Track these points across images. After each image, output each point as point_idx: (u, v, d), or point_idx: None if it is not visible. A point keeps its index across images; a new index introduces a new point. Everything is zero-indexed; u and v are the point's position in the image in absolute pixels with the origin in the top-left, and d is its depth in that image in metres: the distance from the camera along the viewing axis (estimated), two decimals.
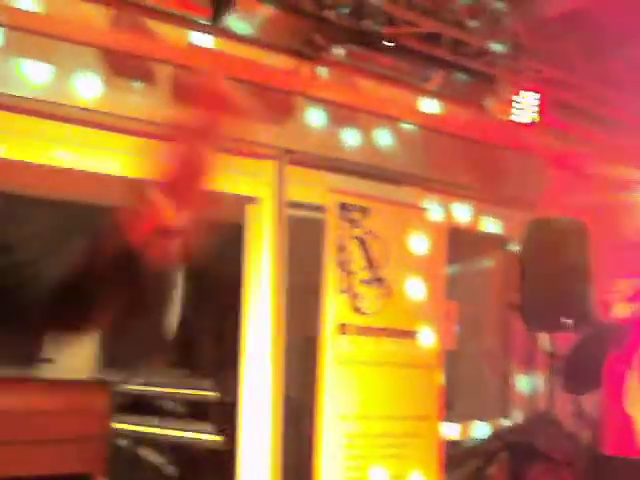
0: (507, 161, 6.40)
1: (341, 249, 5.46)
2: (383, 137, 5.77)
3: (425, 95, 5.91)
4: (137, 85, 4.87)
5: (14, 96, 4.50)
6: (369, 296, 5.62)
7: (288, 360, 5.44)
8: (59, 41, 4.64)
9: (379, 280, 5.64)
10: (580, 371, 4.65)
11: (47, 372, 5.31)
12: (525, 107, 5.81)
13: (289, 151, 5.37)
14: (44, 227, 1.65)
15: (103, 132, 4.80)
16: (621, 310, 4.51)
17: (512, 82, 5.81)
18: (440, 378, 5.92)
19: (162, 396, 6.81)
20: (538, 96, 5.83)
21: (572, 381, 4.81)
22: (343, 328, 5.48)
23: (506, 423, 6.68)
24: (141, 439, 6.69)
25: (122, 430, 6.46)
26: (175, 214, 1.35)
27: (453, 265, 6.28)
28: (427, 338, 5.85)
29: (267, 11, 4.95)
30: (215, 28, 4.73)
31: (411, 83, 5.85)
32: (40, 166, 4.68)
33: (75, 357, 5.67)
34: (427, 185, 6.04)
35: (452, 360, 6.24)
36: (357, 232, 5.53)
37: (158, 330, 1.51)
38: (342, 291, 5.48)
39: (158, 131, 4.69)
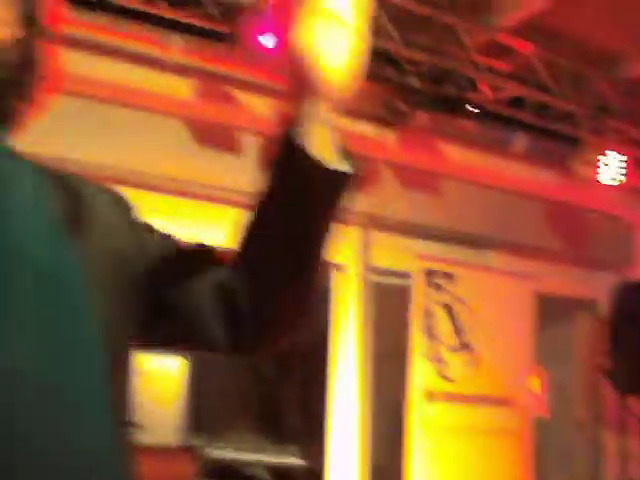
0: (594, 223, 6.32)
1: (427, 315, 5.43)
2: (468, 202, 5.75)
3: (510, 159, 5.88)
4: (224, 154, 4.94)
5: (110, 167, 4.60)
6: (456, 363, 5.55)
7: (374, 427, 5.39)
8: (146, 113, 4.76)
9: (466, 346, 5.57)
10: None
11: (136, 437, 5.34)
12: (611, 168, 5.74)
13: (373, 217, 5.38)
14: None
15: (191, 201, 4.87)
16: None
17: (597, 143, 5.75)
18: (530, 446, 5.80)
19: (249, 463, 6.79)
20: (624, 157, 5.76)
21: None
22: (430, 395, 5.42)
23: None
24: None
25: None
26: None
27: (541, 330, 6.17)
28: (516, 405, 5.74)
29: None
30: None
31: (495, 147, 5.83)
32: None
33: (163, 422, 5.69)
34: (513, 249, 5.98)
35: (542, 427, 6.11)
36: (443, 298, 5.49)
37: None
38: (429, 358, 5.43)
39: (245, 200, 4.74)
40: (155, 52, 4.65)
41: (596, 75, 5.60)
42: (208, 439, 6.20)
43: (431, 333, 5.45)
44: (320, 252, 1.44)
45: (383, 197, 5.43)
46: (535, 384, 6.08)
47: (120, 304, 1.37)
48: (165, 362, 7.08)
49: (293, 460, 6.29)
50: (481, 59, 5.13)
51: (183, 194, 4.89)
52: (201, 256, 1.53)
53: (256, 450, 6.62)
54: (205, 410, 6.56)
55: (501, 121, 5.70)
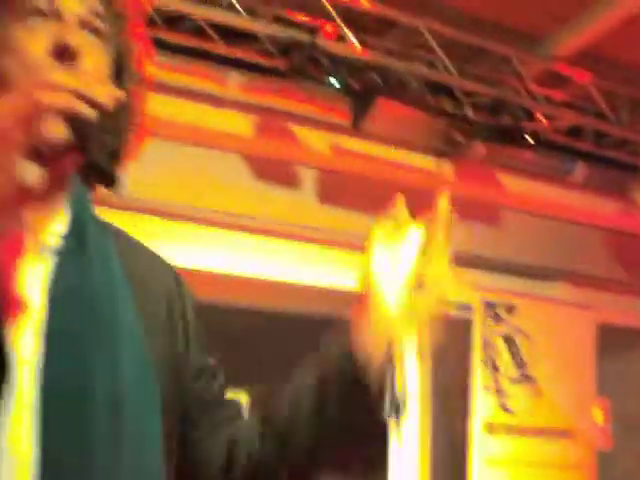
0: None
1: (488, 347, 5.38)
2: (527, 232, 5.71)
3: (569, 188, 5.83)
4: (282, 189, 4.98)
5: (173, 204, 4.66)
6: (517, 394, 5.50)
7: (435, 460, 5.34)
8: (205, 148, 4.81)
9: (528, 378, 5.52)
10: None
11: None
12: None
13: None
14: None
15: (256, 237, 4.91)
16: None
17: None
18: (593, 479, 5.70)
19: None
20: None
21: None
22: (491, 428, 5.37)
23: None
24: None
25: None
26: None
27: (604, 361, 6.09)
28: (579, 437, 5.66)
29: (406, 111, 4.99)
30: (356, 130, 4.80)
31: (554, 176, 5.78)
32: (196, 272, 4.79)
33: None
34: (574, 280, 5.91)
35: (605, 459, 6.01)
36: (504, 330, 5.45)
37: None
38: (489, 390, 5.38)
39: (306, 234, 4.77)
40: (212, 89, 4.69)
41: None
42: None
43: (492, 365, 5.40)
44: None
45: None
46: (598, 416, 5.99)
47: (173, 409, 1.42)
48: None
49: None
50: (538, 88, 5.10)
51: (242, 228, 4.92)
52: (227, 409, 1.55)
53: None
54: None
55: (559, 150, 5.65)
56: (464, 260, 5.42)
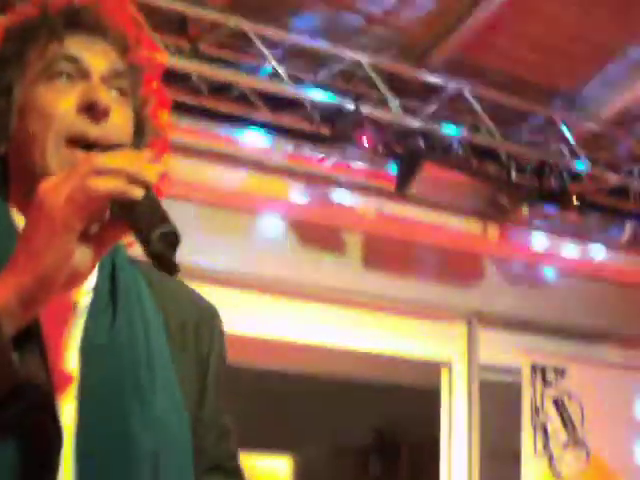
0: None
1: (537, 411, 5.31)
2: (575, 294, 5.66)
3: (616, 249, 5.78)
4: (328, 254, 5.00)
5: (216, 270, 4.70)
6: (568, 459, 5.40)
7: None
8: (250, 214, 4.85)
9: (578, 442, 5.42)
10: None
11: None
12: None
13: (479, 313, 5.34)
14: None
15: (301, 303, 4.93)
16: None
17: None
18: None
19: None
20: None
21: None
22: None
23: None
24: None
25: None
26: None
27: None
28: None
29: (451, 175, 5.01)
30: (402, 195, 4.82)
31: (601, 238, 5.74)
32: (241, 338, 4.82)
33: None
34: (624, 341, 5.84)
35: None
36: (554, 393, 5.38)
37: None
38: (540, 455, 5.30)
39: (350, 299, 4.76)
40: (259, 156, 4.74)
41: None
42: None
43: (542, 429, 5.33)
44: None
45: (488, 292, 5.39)
46: None
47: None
48: (272, 462, 7.05)
49: None
50: (582, 150, 5.10)
51: (287, 294, 4.93)
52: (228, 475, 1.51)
53: None
54: None
55: (605, 211, 5.62)
56: (512, 324, 5.41)
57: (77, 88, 1.33)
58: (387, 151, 4.67)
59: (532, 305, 5.51)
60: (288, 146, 4.74)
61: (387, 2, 4.46)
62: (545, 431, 5.35)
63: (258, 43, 4.36)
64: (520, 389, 5.32)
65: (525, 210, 5.21)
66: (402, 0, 4.45)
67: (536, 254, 5.51)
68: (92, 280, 1.33)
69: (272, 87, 4.45)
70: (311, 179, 4.88)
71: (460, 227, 5.25)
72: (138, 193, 1.15)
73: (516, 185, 5.11)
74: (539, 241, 5.50)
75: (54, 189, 1.14)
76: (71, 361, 1.28)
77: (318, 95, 4.52)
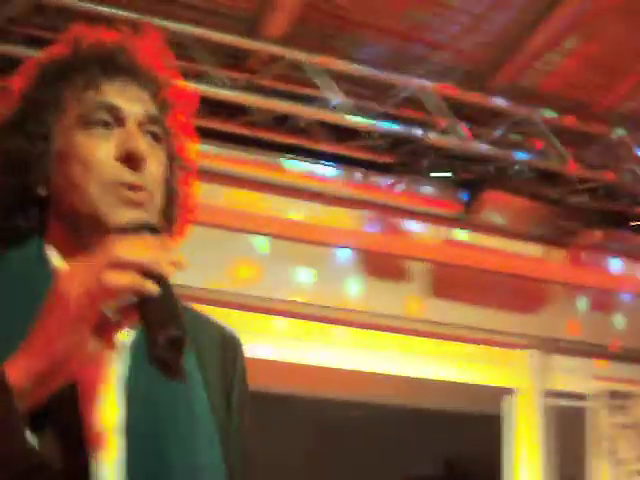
0: None
1: (607, 438, 5.23)
2: None
3: None
4: (397, 283, 4.96)
5: (286, 301, 4.68)
6: None
7: None
8: (315, 245, 4.83)
9: None
10: None
11: None
12: None
13: (545, 340, 5.27)
14: None
15: (369, 331, 4.90)
16: None
17: None
18: None
19: None
20: None
21: None
22: None
23: None
24: None
25: None
26: None
27: None
28: None
29: (515, 201, 4.96)
30: (467, 222, 4.77)
31: None
32: (310, 367, 4.82)
33: None
34: None
35: None
36: (624, 420, 5.30)
37: None
38: None
39: (416, 327, 4.69)
40: (323, 186, 4.72)
41: None
42: None
43: (612, 457, 5.25)
44: None
45: (555, 318, 5.33)
46: None
47: None
48: None
49: None
50: None
51: (358, 324, 4.90)
52: None
53: None
54: None
55: None
56: (580, 349, 5.33)
57: (114, 135, 1.40)
58: (454, 178, 4.62)
59: (600, 330, 5.44)
60: (356, 176, 4.72)
61: (450, 29, 4.41)
62: (614, 459, 5.27)
63: (317, 74, 4.33)
64: (587, 416, 5.25)
65: (595, 234, 5.14)
66: (464, 26, 4.40)
67: (603, 278, 5.44)
68: (128, 334, 1.35)
69: (338, 118, 4.41)
70: (379, 208, 4.85)
71: (528, 253, 5.19)
72: (153, 289, 1.17)
73: (584, 209, 5.04)
74: (609, 265, 5.43)
75: (70, 278, 1.17)
76: (113, 410, 1.30)
77: (384, 124, 4.48)
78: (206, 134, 4.34)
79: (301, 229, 4.69)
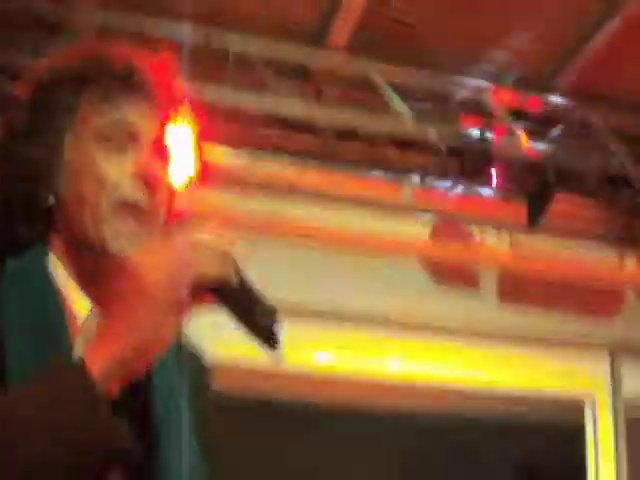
0: None
1: None
2: None
3: None
4: (461, 291, 4.95)
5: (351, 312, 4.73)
6: None
7: None
8: (382, 257, 4.85)
9: None
10: None
11: None
12: None
13: (622, 345, 5.17)
14: None
15: (432, 340, 4.89)
16: None
17: None
18: None
19: None
20: None
21: None
22: None
23: None
24: None
25: None
26: None
27: None
28: None
29: (583, 204, 4.90)
30: (533, 228, 4.73)
31: None
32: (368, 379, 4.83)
33: None
34: None
35: None
36: None
37: None
38: None
39: (487, 335, 4.64)
40: (388, 196, 4.74)
41: None
42: None
43: None
44: None
45: (630, 323, 5.23)
46: None
47: None
48: None
49: None
50: None
51: (422, 333, 4.89)
52: None
53: None
54: None
55: None
56: None
57: (129, 155, 1.41)
58: (517, 183, 4.59)
59: None
60: (417, 184, 4.72)
61: (509, 31, 4.40)
62: None
63: (382, 83, 4.37)
64: None
65: None
66: (524, 28, 4.39)
67: None
68: None
69: (399, 127, 4.44)
70: (442, 216, 4.84)
71: (596, 257, 5.11)
72: (237, 278, 1.24)
73: None
74: None
75: (156, 268, 1.20)
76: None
77: (445, 132, 4.49)
78: (272, 149, 4.45)
79: (367, 240, 4.71)
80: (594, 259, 5.06)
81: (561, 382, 5.15)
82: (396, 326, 4.83)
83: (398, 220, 4.76)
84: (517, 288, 5.04)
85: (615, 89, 4.73)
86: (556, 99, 4.65)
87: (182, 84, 1.56)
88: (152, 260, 1.22)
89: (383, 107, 4.46)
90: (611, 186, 4.88)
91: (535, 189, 4.64)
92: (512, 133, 4.58)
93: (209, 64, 4.30)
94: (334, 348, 4.77)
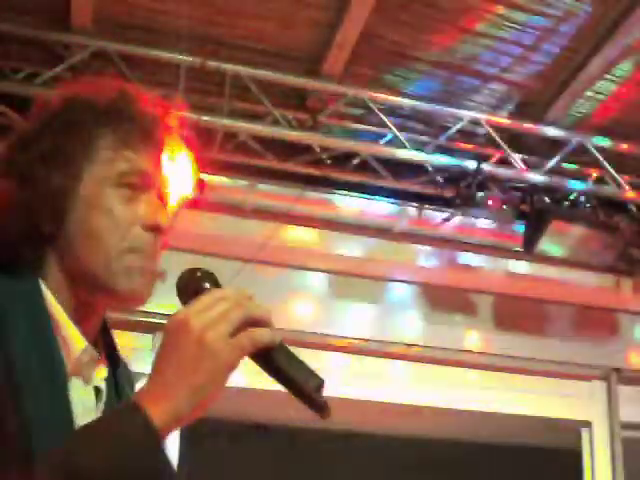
0: None
1: None
2: None
3: None
4: (458, 317, 4.97)
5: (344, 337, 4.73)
6: None
7: None
8: (379, 281, 4.87)
9: None
10: None
11: None
12: None
13: (617, 370, 5.19)
14: None
15: (428, 366, 4.89)
16: None
17: None
18: None
19: None
20: None
21: None
22: None
23: None
24: None
25: None
26: None
27: None
28: None
29: (579, 231, 4.92)
30: (529, 254, 4.75)
31: None
32: (371, 403, 4.83)
33: None
34: None
35: None
36: None
37: None
38: None
39: (484, 361, 4.67)
40: (382, 222, 4.77)
41: None
42: None
43: None
44: None
45: (625, 348, 5.25)
46: None
47: None
48: None
49: None
50: None
51: (418, 359, 4.91)
52: None
53: None
54: None
55: None
56: None
57: (142, 200, 1.48)
58: (512, 209, 4.62)
59: None
60: (413, 211, 4.76)
61: (502, 61, 4.45)
62: None
63: (377, 111, 4.41)
64: None
65: None
66: (517, 57, 4.44)
67: None
68: (105, 370, 1.49)
69: (393, 153, 4.47)
70: (437, 242, 4.87)
71: (592, 283, 5.14)
72: (279, 342, 1.30)
73: None
74: None
75: (213, 328, 1.25)
76: None
77: (439, 158, 4.53)
78: (263, 173, 4.49)
79: (361, 265, 4.74)
80: (589, 284, 5.09)
81: (557, 405, 5.16)
82: (388, 350, 4.85)
83: (395, 246, 4.79)
84: (513, 313, 5.06)
85: (605, 116, 4.76)
86: (548, 126, 4.68)
87: (183, 116, 1.61)
88: (205, 319, 1.26)
89: (379, 134, 4.50)
90: (607, 212, 4.90)
91: (531, 215, 4.67)
92: (505, 160, 4.61)
93: (206, 90, 4.36)
94: (329, 371, 4.78)
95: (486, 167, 4.52)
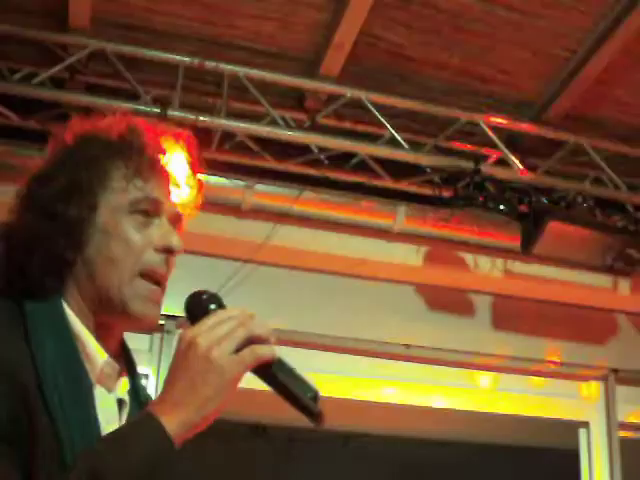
0: None
1: None
2: None
3: None
4: (456, 317, 4.97)
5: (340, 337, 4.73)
6: None
7: None
8: (375, 281, 4.87)
9: None
10: None
11: None
12: None
13: (615, 370, 5.20)
14: None
15: (427, 366, 4.90)
16: None
17: None
18: None
19: None
20: None
21: None
22: None
23: None
24: None
25: None
26: None
27: None
28: None
29: (576, 231, 4.92)
30: (527, 254, 4.75)
31: None
32: (370, 403, 4.83)
33: None
34: None
35: None
36: None
37: None
38: None
39: (481, 361, 4.68)
40: (381, 222, 4.76)
41: None
42: None
43: None
44: None
45: (623, 348, 5.25)
46: None
47: None
48: None
49: None
50: None
51: (416, 359, 4.91)
52: None
53: None
54: None
55: None
56: None
57: (154, 227, 1.60)
58: (510, 210, 4.62)
59: None
60: (410, 211, 4.75)
61: (500, 61, 4.46)
62: None
63: (375, 111, 4.41)
64: None
65: None
66: (515, 57, 4.45)
67: None
68: (127, 383, 1.63)
69: (391, 154, 4.48)
70: (435, 242, 4.87)
71: (590, 283, 5.14)
72: (278, 356, 1.44)
73: None
74: None
75: (219, 346, 1.40)
76: None
77: (437, 158, 4.53)
78: (260, 173, 4.49)
79: (357, 265, 4.74)
80: (587, 285, 5.09)
81: (555, 406, 5.17)
82: (390, 352, 4.85)
83: (392, 246, 4.79)
84: (511, 314, 5.07)
85: (607, 117, 4.77)
86: (549, 127, 4.68)
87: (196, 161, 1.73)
88: (212, 336, 1.41)
89: (376, 134, 4.50)
90: (604, 212, 4.91)
91: (529, 216, 4.67)
92: (506, 161, 4.62)
93: (204, 90, 4.37)
94: (326, 372, 4.77)
95: (484, 167, 4.52)
